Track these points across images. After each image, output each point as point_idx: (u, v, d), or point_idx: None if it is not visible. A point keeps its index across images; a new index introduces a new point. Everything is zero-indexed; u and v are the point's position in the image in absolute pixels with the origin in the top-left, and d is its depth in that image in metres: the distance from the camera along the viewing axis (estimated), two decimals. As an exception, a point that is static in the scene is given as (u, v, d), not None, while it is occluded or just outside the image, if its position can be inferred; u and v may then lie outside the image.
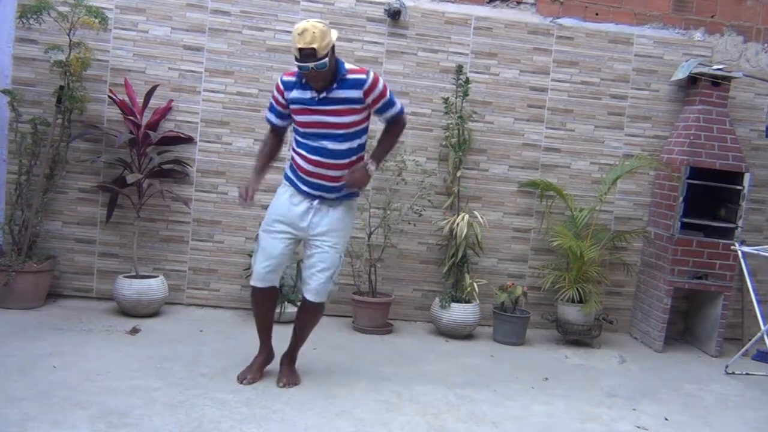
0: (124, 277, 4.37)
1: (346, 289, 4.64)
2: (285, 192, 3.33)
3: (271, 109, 3.33)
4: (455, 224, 4.56)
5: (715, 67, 4.80)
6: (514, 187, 4.92)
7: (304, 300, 3.39)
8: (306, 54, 2.97)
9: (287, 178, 3.35)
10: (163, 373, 3.42)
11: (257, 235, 3.40)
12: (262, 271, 3.34)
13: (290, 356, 3.51)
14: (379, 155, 3.32)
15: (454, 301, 4.57)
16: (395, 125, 3.35)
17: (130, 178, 4.27)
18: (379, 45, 4.75)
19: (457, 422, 3.20)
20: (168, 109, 4.58)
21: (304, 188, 3.26)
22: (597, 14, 4.94)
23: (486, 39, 4.84)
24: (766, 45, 5.10)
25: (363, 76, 3.15)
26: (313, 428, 2.99)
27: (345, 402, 3.29)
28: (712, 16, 5.03)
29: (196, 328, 4.25)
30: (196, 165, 4.66)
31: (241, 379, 3.39)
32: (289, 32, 4.65)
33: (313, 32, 2.96)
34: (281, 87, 3.23)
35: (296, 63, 3.03)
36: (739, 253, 4.46)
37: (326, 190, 3.25)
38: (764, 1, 5.09)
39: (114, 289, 4.35)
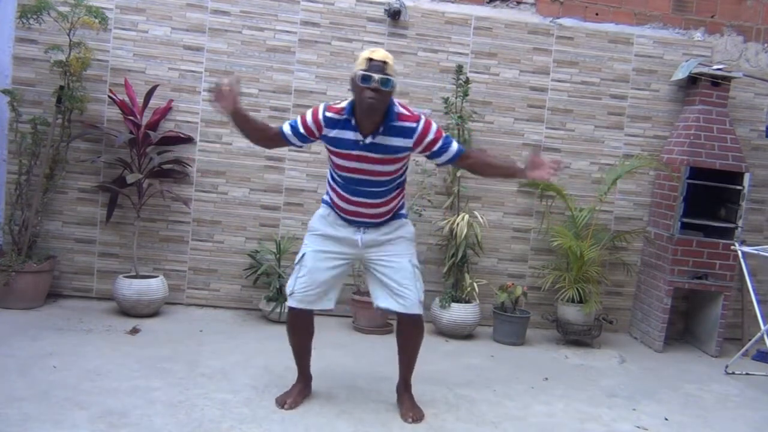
0: (124, 277, 4.37)
1: (346, 290, 4.63)
2: (328, 214, 3.14)
3: (295, 129, 3.00)
4: (455, 224, 4.56)
5: (715, 67, 4.80)
6: (514, 187, 4.92)
7: (402, 318, 3.13)
8: (375, 65, 2.81)
9: (327, 203, 3.16)
10: (163, 373, 3.42)
11: (303, 254, 3.11)
12: (301, 293, 3.08)
13: (405, 385, 3.27)
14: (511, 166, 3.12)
15: (454, 301, 4.57)
16: (471, 159, 3.09)
17: (130, 178, 4.27)
18: (379, 45, 4.74)
19: (457, 422, 3.20)
20: (168, 109, 4.58)
21: (347, 217, 3.10)
22: (597, 14, 4.94)
23: (486, 39, 4.84)
24: (766, 45, 5.10)
25: (413, 125, 2.93)
26: (313, 428, 2.99)
27: (345, 402, 3.29)
28: (712, 16, 5.03)
29: (196, 328, 4.25)
30: (196, 165, 4.66)
31: (281, 403, 3.17)
32: (289, 32, 4.69)
33: (386, 53, 2.88)
34: (321, 122, 2.94)
35: (360, 75, 2.80)
36: (739, 253, 4.46)
37: (368, 224, 3.09)
38: (764, 1, 5.09)
39: (114, 289, 4.35)
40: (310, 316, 3.20)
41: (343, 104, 2.95)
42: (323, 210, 3.18)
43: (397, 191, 3.12)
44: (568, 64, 4.92)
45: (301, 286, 3.09)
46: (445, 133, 3.03)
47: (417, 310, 3.11)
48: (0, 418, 2.76)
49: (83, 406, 2.95)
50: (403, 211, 3.22)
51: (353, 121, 2.91)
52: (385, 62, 2.83)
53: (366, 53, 2.88)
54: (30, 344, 3.64)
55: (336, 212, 3.12)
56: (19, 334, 3.78)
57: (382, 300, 3.13)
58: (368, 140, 2.91)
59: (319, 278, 3.09)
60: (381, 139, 2.92)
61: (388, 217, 3.12)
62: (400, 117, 2.94)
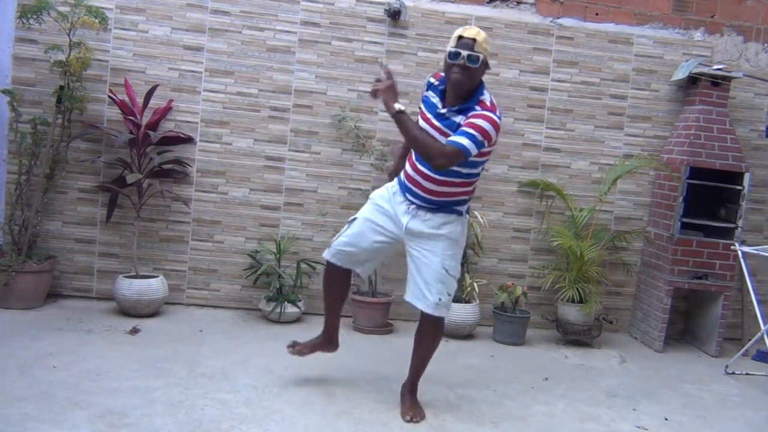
0: (124, 277, 4.37)
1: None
2: (392, 186, 3.24)
3: None
4: (455, 224, 4.56)
5: (715, 67, 4.80)
6: (514, 187, 4.93)
7: (421, 316, 3.16)
8: (464, 42, 2.93)
9: (399, 177, 3.25)
10: (163, 373, 3.42)
11: (355, 218, 3.25)
12: (338, 247, 3.24)
13: (410, 385, 3.28)
14: (406, 121, 2.94)
15: (454, 301, 4.53)
16: (441, 146, 2.91)
17: (130, 178, 4.27)
18: (379, 45, 4.75)
19: (457, 422, 3.20)
20: (168, 109, 4.58)
21: (405, 193, 3.15)
22: (597, 14, 4.94)
23: (486, 39, 4.84)
24: (766, 45, 5.10)
25: (476, 107, 2.94)
26: (313, 428, 2.99)
27: (345, 402, 3.29)
28: (712, 16, 5.03)
29: (196, 328, 4.25)
30: (196, 165, 4.66)
31: (289, 345, 3.45)
32: (289, 32, 4.69)
33: (479, 31, 2.97)
34: (426, 86, 3.19)
35: (450, 52, 2.94)
36: (739, 253, 4.46)
37: (421, 200, 3.09)
38: (764, 1, 5.09)
39: (114, 289, 4.35)
40: (344, 276, 3.32)
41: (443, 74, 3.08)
42: (393, 182, 3.27)
43: (459, 180, 3.05)
44: (568, 64, 4.92)
45: (339, 242, 3.24)
46: (479, 135, 2.86)
47: (432, 311, 3.11)
48: (0, 418, 2.76)
49: (83, 406, 2.95)
50: (461, 208, 3.14)
51: (443, 89, 3.06)
52: (474, 39, 2.93)
53: (459, 31, 2.99)
54: (30, 344, 3.64)
55: (401, 184, 3.19)
56: (19, 334, 3.78)
57: (407, 293, 3.21)
58: (444, 110, 3.01)
59: (359, 243, 3.21)
60: (453, 116, 2.98)
61: (441, 200, 3.08)
62: (480, 103, 2.98)
